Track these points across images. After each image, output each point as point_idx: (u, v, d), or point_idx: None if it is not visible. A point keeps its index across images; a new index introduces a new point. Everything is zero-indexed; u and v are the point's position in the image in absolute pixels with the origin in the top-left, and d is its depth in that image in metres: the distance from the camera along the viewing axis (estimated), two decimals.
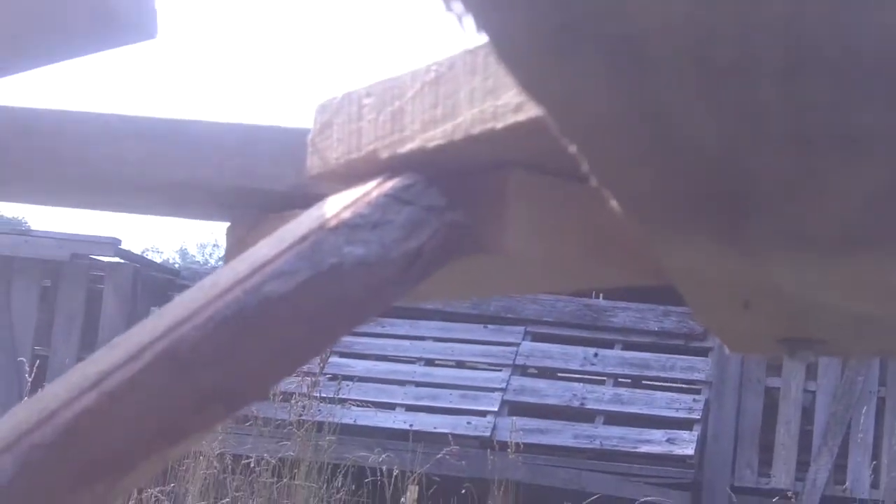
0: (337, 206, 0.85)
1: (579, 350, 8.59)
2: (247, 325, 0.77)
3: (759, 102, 0.54)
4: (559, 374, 8.72)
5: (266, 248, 0.83)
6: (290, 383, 7.78)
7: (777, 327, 0.97)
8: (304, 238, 0.82)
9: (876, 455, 7.95)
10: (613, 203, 0.67)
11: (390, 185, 0.85)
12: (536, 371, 8.73)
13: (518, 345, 8.67)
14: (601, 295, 9.07)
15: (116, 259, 9.42)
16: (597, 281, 0.98)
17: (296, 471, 7.11)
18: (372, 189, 0.86)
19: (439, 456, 7.60)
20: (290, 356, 0.79)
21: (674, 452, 7.94)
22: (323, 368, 8.13)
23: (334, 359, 8.55)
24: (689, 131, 0.57)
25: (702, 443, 8.07)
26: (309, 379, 7.83)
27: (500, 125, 0.78)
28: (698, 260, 0.77)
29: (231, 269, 0.82)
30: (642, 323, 8.63)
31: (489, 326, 8.82)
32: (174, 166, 1.08)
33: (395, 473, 7.31)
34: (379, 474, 7.39)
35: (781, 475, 8.09)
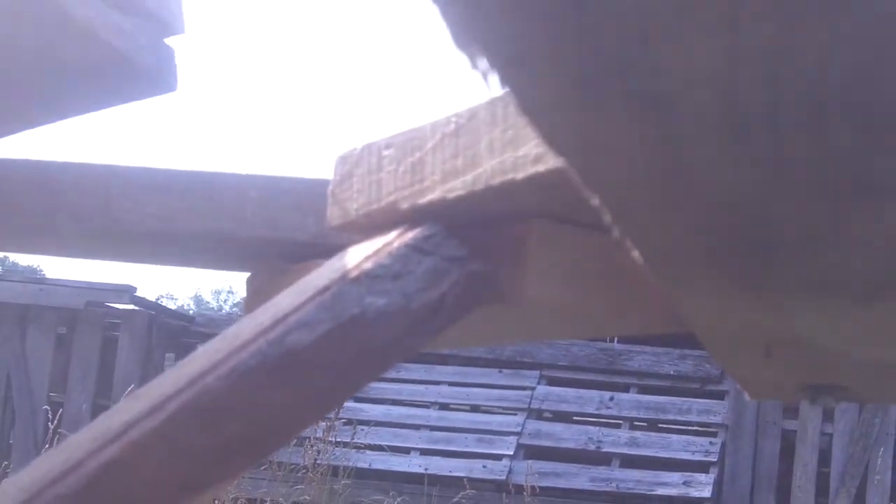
0: (358, 256, 0.85)
1: (595, 394, 8.57)
2: (270, 376, 0.77)
3: (783, 153, 0.54)
4: (575, 418, 8.69)
5: (288, 298, 0.84)
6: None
7: (798, 375, 0.97)
8: (325, 289, 0.83)
9: (893, 497, 7.90)
10: (636, 254, 0.67)
11: (411, 235, 0.86)
12: (552, 415, 8.71)
13: (533, 389, 8.65)
14: (616, 339, 9.06)
15: (131, 306, 9.44)
16: (617, 329, 0.98)
17: None
18: (393, 240, 0.86)
19: (455, 500, 7.58)
20: (313, 406, 0.79)
21: (690, 495, 7.90)
22: (338, 413, 8.13)
23: (349, 403, 8.54)
24: (713, 184, 0.57)
25: (719, 485, 8.03)
26: (324, 423, 7.83)
27: (520, 176, 0.79)
28: (720, 310, 0.77)
29: (253, 320, 0.83)
30: (658, 366, 8.61)
31: (504, 371, 8.80)
32: (196, 218, 1.09)
33: None
34: None
35: None
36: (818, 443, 8.16)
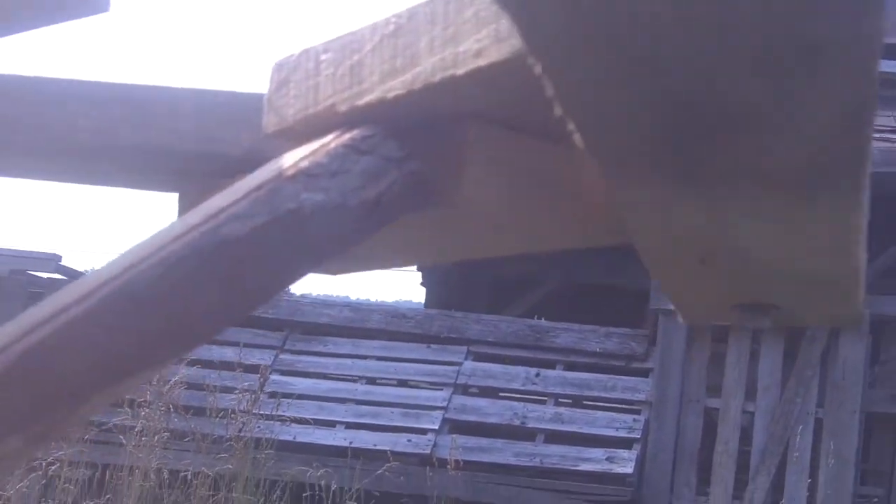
0: (294, 157, 0.84)
1: (521, 370, 8.60)
2: (203, 265, 0.76)
3: (728, 17, 0.54)
4: (501, 394, 8.72)
5: (221, 198, 0.83)
6: (229, 400, 7.73)
7: (732, 292, 0.98)
8: (260, 187, 0.82)
9: (812, 475, 8.02)
10: (577, 137, 0.67)
11: (349, 136, 0.85)
12: (478, 390, 8.73)
13: (460, 364, 8.66)
14: (543, 317, 9.10)
15: (57, 275, 9.31)
16: (554, 240, 0.98)
17: (234, 484, 7.05)
18: (330, 141, 0.85)
19: (379, 472, 7.58)
20: (247, 297, 0.78)
21: (613, 471, 7.97)
22: (263, 386, 8.09)
23: (275, 376, 8.51)
24: (657, 51, 0.57)
25: (641, 462, 8.10)
26: (249, 395, 7.79)
27: (460, 71, 0.78)
28: (658, 206, 0.77)
29: (185, 219, 0.82)
30: (584, 343, 8.66)
31: (432, 346, 8.81)
32: (129, 131, 1.07)
33: (333, 489, 7.28)
34: (317, 490, 7.35)
35: (719, 494, 8.12)
36: (740, 421, 8.25)
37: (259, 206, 0.79)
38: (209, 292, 0.77)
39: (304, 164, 0.83)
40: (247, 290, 0.78)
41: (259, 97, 1.00)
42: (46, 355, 0.72)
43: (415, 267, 12.45)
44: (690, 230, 0.82)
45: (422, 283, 12.52)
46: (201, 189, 1.12)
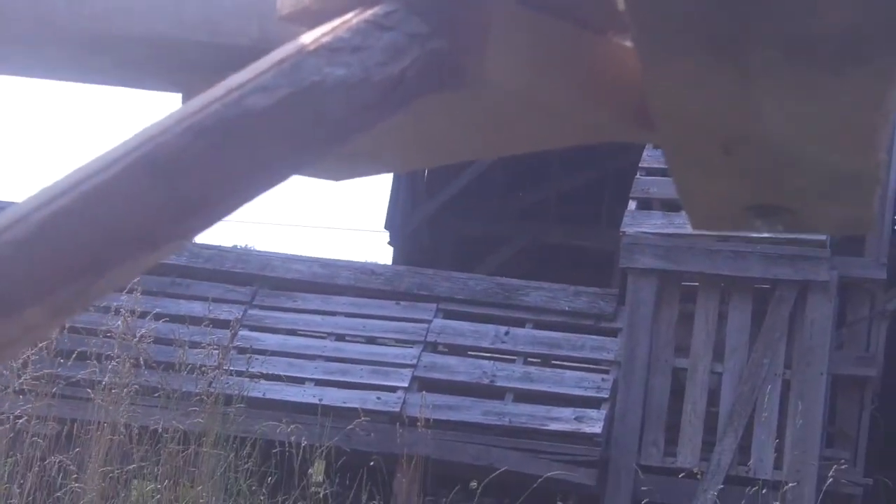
0: (316, 33, 0.82)
1: (490, 328, 8.61)
2: (227, 136, 0.74)
3: None
4: (470, 352, 8.72)
5: (243, 74, 0.81)
6: (198, 355, 7.70)
7: (749, 189, 0.96)
8: (282, 61, 0.80)
9: (780, 436, 8.07)
10: (621, 7, 0.65)
11: (371, 12, 0.83)
12: (447, 348, 8.73)
13: (430, 322, 8.66)
14: (511, 277, 9.10)
15: None
16: (575, 132, 0.96)
17: (203, 440, 7.03)
18: (352, 17, 0.83)
19: (348, 429, 7.58)
20: (271, 170, 0.76)
21: (582, 430, 7.99)
22: (233, 341, 8.07)
23: (244, 332, 8.48)
24: None
25: (609, 421, 8.13)
26: (218, 351, 7.77)
27: None
28: (689, 81, 0.76)
29: (207, 93, 0.79)
30: (554, 302, 8.67)
31: (401, 303, 8.80)
32: (131, 20, 1.04)
33: (303, 445, 7.28)
34: (287, 446, 7.34)
35: (687, 454, 8.17)
36: (708, 381, 8.29)
37: (282, 78, 0.77)
38: (233, 164, 0.75)
39: (326, 39, 0.81)
40: (269, 162, 0.77)
41: None
42: (67, 224, 0.70)
43: (382, 226, 12.44)
44: (717, 110, 0.81)
45: (389, 243, 12.51)
46: (207, 88, 1.10)
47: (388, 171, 1.09)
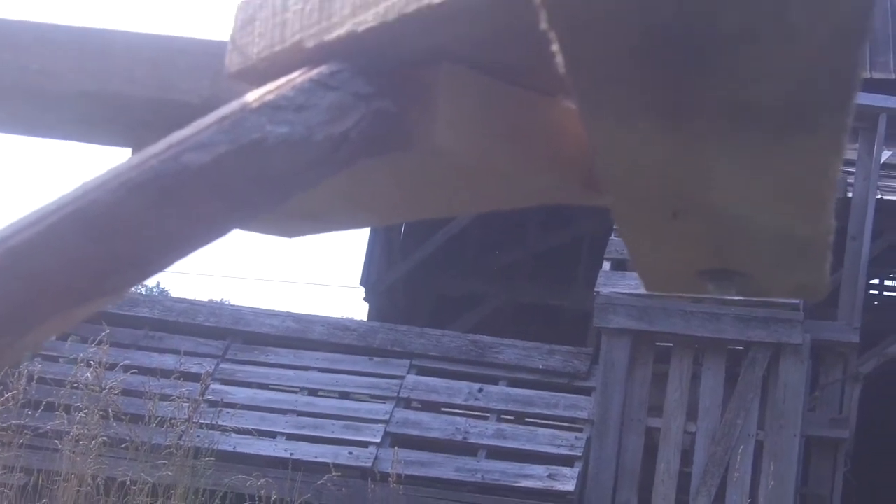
0: (260, 91, 0.81)
1: (464, 385, 8.58)
2: (162, 193, 0.73)
3: None
4: (443, 409, 8.68)
5: (184, 131, 0.79)
6: (168, 407, 7.64)
7: (700, 254, 0.96)
8: (224, 118, 0.79)
9: (752, 497, 8.04)
10: (559, 60, 0.65)
11: (316, 71, 0.82)
12: (420, 404, 8.69)
13: (403, 378, 8.62)
14: (486, 335, 9.08)
15: None
16: (527, 195, 0.95)
17: (172, 492, 6.96)
18: (297, 76, 0.82)
19: (319, 483, 7.52)
20: (207, 227, 0.75)
21: (554, 488, 7.95)
22: (203, 394, 8.00)
23: (216, 385, 8.43)
24: None
25: (582, 480, 8.09)
26: (188, 404, 7.70)
27: (436, 0, 0.76)
28: (634, 145, 0.75)
29: (146, 150, 0.78)
30: (528, 360, 8.65)
31: (374, 359, 8.76)
32: (82, 77, 1.03)
33: (273, 500, 7.20)
34: (257, 500, 7.27)
35: None
36: (681, 441, 8.27)
37: (222, 135, 0.76)
38: (167, 220, 0.74)
39: (270, 97, 0.80)
40: (206, 220, 0.75)
41: (221, 44, 0.97)
42: None
43: (358, 282, 12.41)
44: (664, 176, 0.80)
45: (365, 299, 12.48)
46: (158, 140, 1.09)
47: (335, 230, 1.07)
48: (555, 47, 0.63)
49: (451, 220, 11.43)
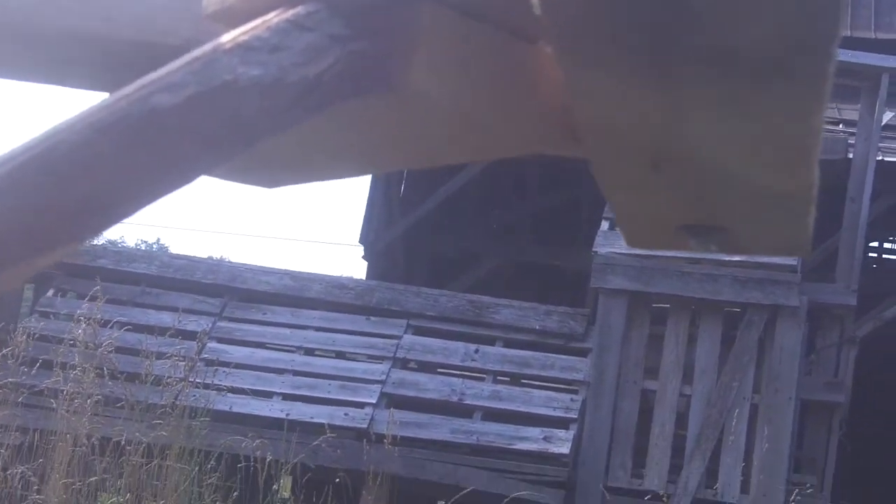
0: (235, 32, 0.80)
1: (461, 345, 8.58)
2: (130, 134, 0.71)
3: None
4: (439, 369, 8.68)
5: (155, 73, 0.78)
6: (165, 366, 7.64)
7: (680, 208, 0.94)
8: (195, 59, 0.77)
9: (747, 460, 8.06)
10: (538, 12, 0.63)
11: (292, 12, 0.80)
12: (417, 365, 8.69)
13: (400, 338, 8.62)
14: (483, 295, 9.08)
15: None
16: (505, 145, 0.93)
17: (167, 453, 6.96)
18: (272, 17, 0.81)
19: (314, 444, 7.53)
20: (177, 170, 0.73)
21: (549, 450, 7.96)
22: (200, 353, 8.01)
23: (212, 344, 8.43)
24: None
25: (577, 442, 8.10)
26: (185, 363, 7.70)
27: None
28: (613, 94, 0.74)
29: (117, 92, 0.77)
30: (524, 321, 8.64)
31: (371, 318, 8.76)
32: (56, 14, 1.02)
33: (268, 460, 7.21)
34: (252, 461, 7.28)
35: (654, 477, 8.15)
36: (676, 404, 8.28)
37: (192, 76, 0.74)
38: (136, 163, 0.72)
39: (244, 38, 0.78)
40: (175, 163, 0.74)
41: None
42: None
43: (357, 240, 12.40)
44: (643, 125, 0.78)
45: (363, 258, 12.47)
46: None
47: (315, 180, 1.06)
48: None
49: (449, 178, 11.39)
